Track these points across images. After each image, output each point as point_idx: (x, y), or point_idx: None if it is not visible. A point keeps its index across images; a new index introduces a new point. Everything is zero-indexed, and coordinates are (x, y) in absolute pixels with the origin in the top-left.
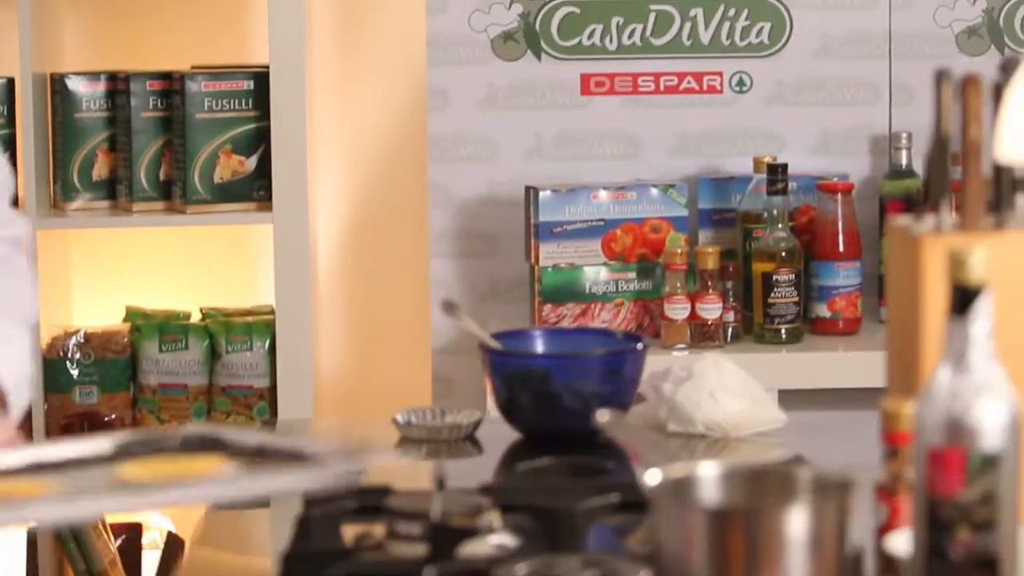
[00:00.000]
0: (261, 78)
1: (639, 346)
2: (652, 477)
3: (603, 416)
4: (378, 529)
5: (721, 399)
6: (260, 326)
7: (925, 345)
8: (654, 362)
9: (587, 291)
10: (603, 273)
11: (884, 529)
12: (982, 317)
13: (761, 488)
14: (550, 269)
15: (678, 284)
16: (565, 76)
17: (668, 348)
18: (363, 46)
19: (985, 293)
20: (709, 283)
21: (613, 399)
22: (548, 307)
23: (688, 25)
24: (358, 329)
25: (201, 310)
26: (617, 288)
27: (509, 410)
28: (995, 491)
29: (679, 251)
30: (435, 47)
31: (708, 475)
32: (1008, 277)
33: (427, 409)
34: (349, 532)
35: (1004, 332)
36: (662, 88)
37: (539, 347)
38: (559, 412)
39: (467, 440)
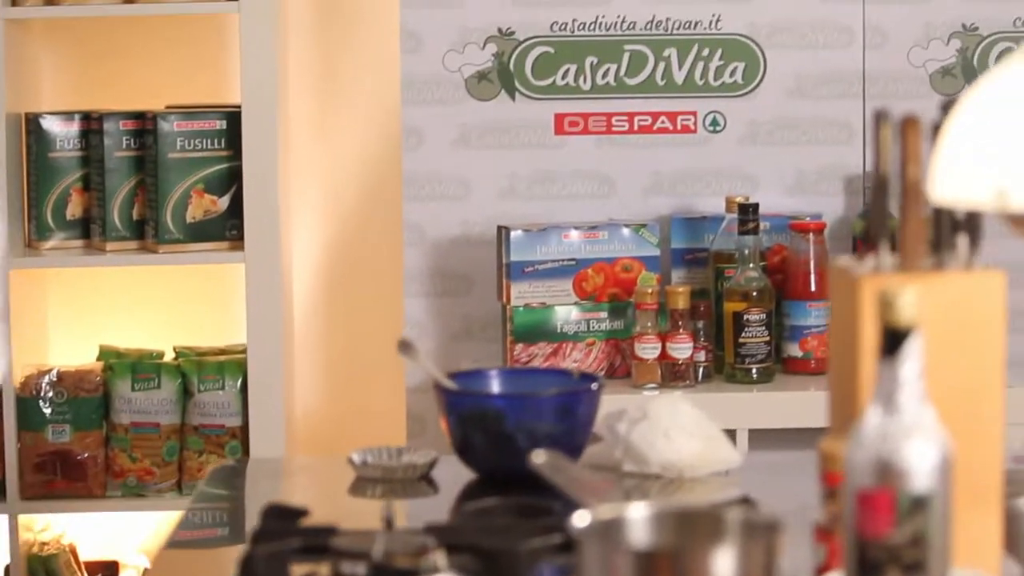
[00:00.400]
0: (233, 118)
1: (593, 386)
2: (580, 518)
3: (539, 457)
4: (323, 569)
5: (676, 439)
6: (232, 365)
7: (862, 386)
8: (623, 402)
9: (558, 330)
10: (574, 313)
11: (822, 570)
12: (912, 358)
13: (690, 529)
14: (521, 308)
15: (648, 324)
16: (539, 116)
17: (639, 388)
18: (339, 85)
19: (914, 334)
20: (679, 323)
21: (567, 439)
22: (520, 346)
23: (662, 65)
24: (334, 368)
25: (175, 349)
26: (588, 328)
27: (464, 450)
28: (925, 532)
29: (650, 291)
30: (409, 87)
31: (637, 516)
32: (947, 318)
33: (384, 449)
34: (295, 572)
35: (943, 373)
36: (636, 128)
37: (494, 387)
38: (513, 452)
39: (423, 480)
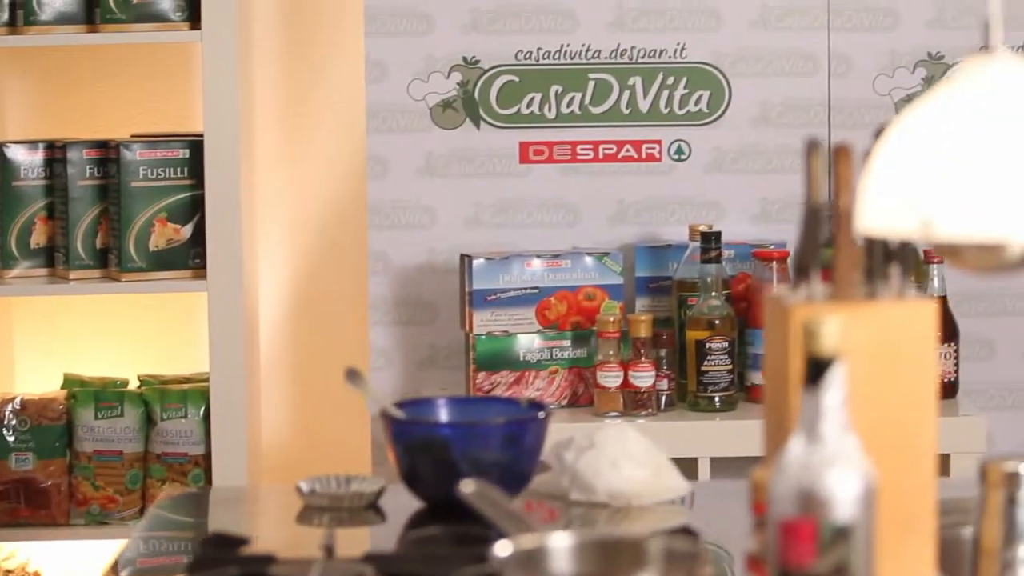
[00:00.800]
0: (196, 146)
1: (540, 415)
2: (501, 548)
3: (467, 487)
4: None
5: (623, 468)
6: (195, 393)
7: (793, 416)
8: (580, 431)
9: (521, 359)
10: (537, 341)
11: None
12: (835, 387)
13: (612, 559)
14: (484, 337)
15: (611, 352)
16: (504, 144)
17: (601, 416)
18: (305, 114)
19: (837, 364)
20: (642, 351)
21: (513, 468)
22: (482, 375)
23: (627, 93)
24: (300, 395)
25: (139, 377)
26: (551, 356)
27: (410, 479)
28: (847, 562)
29: (612, 319)
30: (374, 116)
31: (558, 546)
32: (879, 347)
33: (332, 477)
34: None
35: (876, 402)
36: (601, 156)
37: (442, 416)
38: (459, 481)
39: (371, 508)
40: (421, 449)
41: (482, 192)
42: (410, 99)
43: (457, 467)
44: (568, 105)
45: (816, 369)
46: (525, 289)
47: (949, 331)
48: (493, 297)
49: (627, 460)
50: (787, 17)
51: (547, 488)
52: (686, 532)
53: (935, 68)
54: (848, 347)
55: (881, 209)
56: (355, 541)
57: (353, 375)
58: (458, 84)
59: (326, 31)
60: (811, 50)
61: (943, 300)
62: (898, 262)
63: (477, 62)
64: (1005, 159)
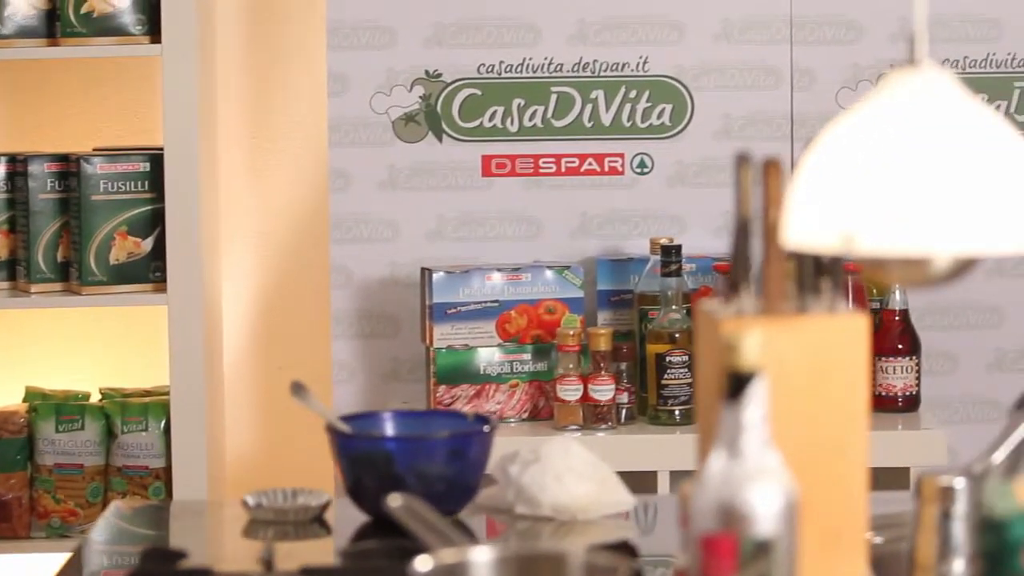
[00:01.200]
0: (157, 160)
1: (485, 429)
2: (422, 563)
3: (394, 501)
4: None
5: (567, 482)
6: (156, 407)
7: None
8: (532, 444)
9: (481, 372)
10: (497, 355)
11: None
12: (755, 402)
13: (531, 573)
14: (444, 350)
15: (571, 365)
16: (466, 157)
17: (561, 429)
18: (269, 127)
19: (758, 378)
20: (601, 364)
21: (458, 482)
22: (443, 388)
23: (589, 107)
24: (264, 409)
25: (100, 391)
26: (512, 369)
27: (355, 492)
28: None
29: (571, 332)
30: (336, 129)
31: (479, 560)
32: (810, 361)
33: (279, 491)
34: None
35: (806, 416)
36: (563, 169)
37: (388, 430)
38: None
39: (316, 522)
40: (366, 463)
41: (444, 205)
42: (372, 112)
43: (401, 481)
44: (531, 119)
45: (737, 384)
46: (485, 303)
47: (911, 345)
48: (453, 311)
49: (571, 474)
50: (749, 30)
51: (493, 502)
52: (625, 547)
53: None
54: (778, 361)
55: (804, 223)
56: (296, 555)
57: (298, 389)
58: (420, 97)
59: (289, 45)
60: (773, 63)
61: (904, 313)
62: (830, 276)
63: (439, 75)
64: (927, 172)
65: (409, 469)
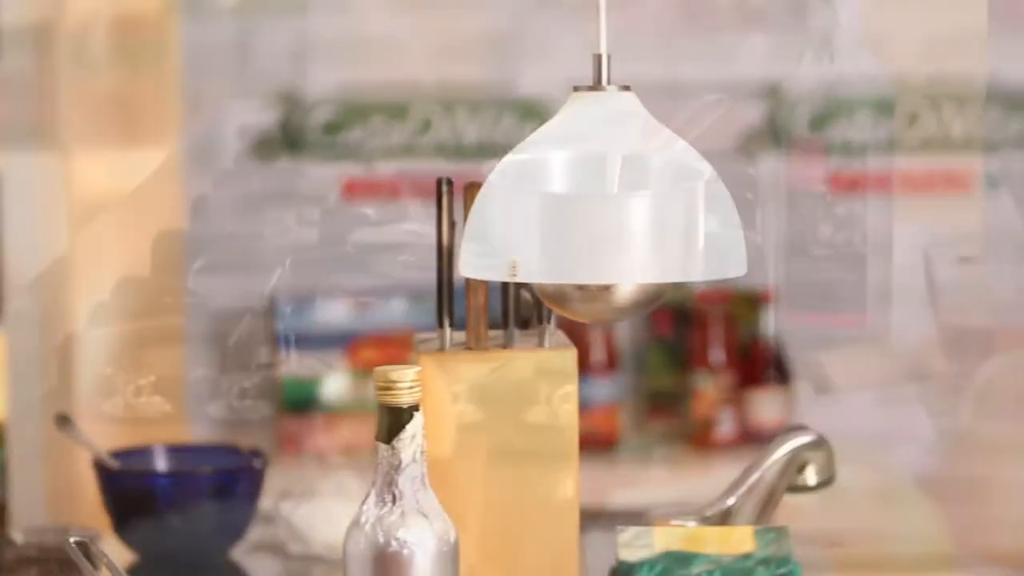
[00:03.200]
0: None
1: (256, 464)
2: None
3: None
4: None
5: (339, 520)
6: None
7: None
8: (307, 480)
9: (330, 402)
10: (346, 383)
11: None
12: (411, 441)
13: None
14: (291, 379)
15: None
16: (325, 179)
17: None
18: (125, 150)
19: (415, 417)
20: None
21: (227, 519)
22: (288, 418)
23: (452, 127)
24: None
25: None
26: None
27: (121, 530)
28: None
29: None
30: (190, 151)
31: None
32: (516, 396)
33: (50, 527)
34: None
35: (515, 450)
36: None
37: (159, 465)
38: (169, 533)
39: (86, 559)
40: (131, 499)
41: (302, 229)
42: (228, 134)
43: (166, 518)
44: (393, 138)
45: (393, 422)
46: (335, 331)
47: (781, 373)
48: (302, 339)
49: (343, 512)
50: (621, 50)
51: (268, 539)
52: None
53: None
54: (477, 398)
55: (474, 254)
56: None
57: (63, 421)
58: (277, 119)
59: (146, 65)
60: (647, 80)
61: (775, 341)
62: (538, 309)
63: (298, 95)
64: (602, 201)
65: (172, 506)
